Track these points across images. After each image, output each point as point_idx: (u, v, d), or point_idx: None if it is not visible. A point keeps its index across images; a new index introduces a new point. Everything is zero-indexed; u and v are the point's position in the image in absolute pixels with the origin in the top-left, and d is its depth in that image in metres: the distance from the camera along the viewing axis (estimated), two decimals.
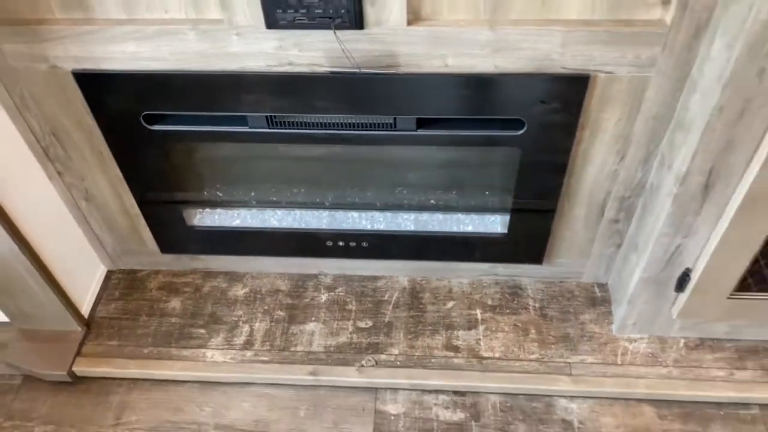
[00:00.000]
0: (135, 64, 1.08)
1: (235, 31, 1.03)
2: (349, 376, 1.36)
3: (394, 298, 1.49)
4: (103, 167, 1.32)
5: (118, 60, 1.08)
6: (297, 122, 1.17)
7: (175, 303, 1.51)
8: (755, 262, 1.15)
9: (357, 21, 0.99)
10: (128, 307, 1.51)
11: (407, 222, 1.41)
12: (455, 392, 1.36)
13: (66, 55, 1.08)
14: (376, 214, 1.42)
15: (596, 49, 1.00)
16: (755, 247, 1.11)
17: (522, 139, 1.15)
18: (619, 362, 1.36)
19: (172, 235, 1.46)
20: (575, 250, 1.41)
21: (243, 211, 1.45)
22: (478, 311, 1.46)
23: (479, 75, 1.05)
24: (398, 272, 1.53)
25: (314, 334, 1.44)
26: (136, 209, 1.41)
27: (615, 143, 1.16)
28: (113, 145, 1.25)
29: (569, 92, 1.06)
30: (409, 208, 1.41)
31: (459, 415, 1.33)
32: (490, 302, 1.47)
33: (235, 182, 1.42)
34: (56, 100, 1.17)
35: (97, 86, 1.13)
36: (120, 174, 1.32)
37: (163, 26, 1.03)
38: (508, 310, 1.46)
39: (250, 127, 1.18)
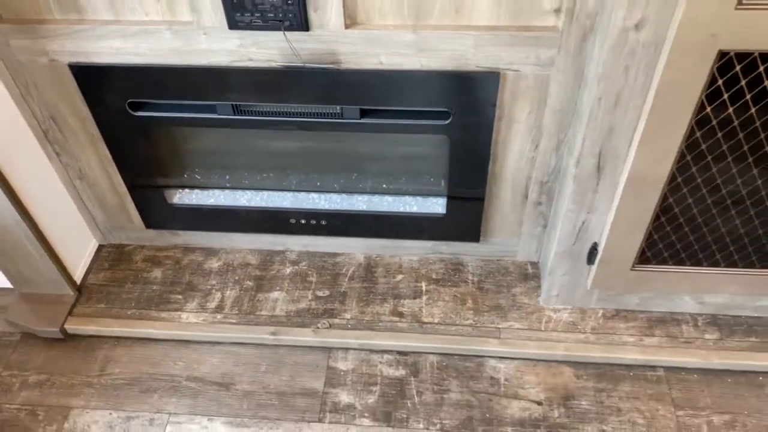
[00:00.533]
0: (120, 58, 1.29)
1: (203, 31, 1.23)
2: (306, 336, 1.55)
3: (350, 272, 1.68)
4: (95, 149, 1.52)
5: (106, 54, 1.29)
6: (258, 111, 1.36)
7: (156, 273, 1.71)
8: (650, 237, 1.34)
9: (303, 24, 1.19)
10: (116, 276, 1.71)
11: (361, 203, 1.60)
12: (398, 352, 1.54)
13: (63, 50, 1.29)
14: (334, 196, 1.61)
15: (503, 51, 1.20)
16: (645, 222, 1.29)
17: (449, 129, 1.34)
18: (543, 329, 1.54)
19: (155, 212, 1.66)
20: (507, 230, 1.59)
21: (217, 192, 1.65)
22: (423, 284, 1.64)
23: (408, 71, 1.25)
24: (356, 250, 1.72)
25: (277, 301, 1.63)
26: (123, 188, 1.61)
27: (529, 133, 1.35)
28: (103, 128, 1.45)
29: (484, 87, 1.26)
30: (363, 190, 1.61)
31: (401, 372, 1.51)
32: (434, 276, 1.66)
33: (211, 166, 1.62)
34: (55, 89, 1.38)
35: (89, 77, 1.34)
36: (109, 155, 1.52)
37: (143, 26, 1.23)
38: (449, 283, 1.64)
39: (219, 114, 1.38)
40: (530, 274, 1.65)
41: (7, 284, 1.67)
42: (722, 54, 1.00)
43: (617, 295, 1.53)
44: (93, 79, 1.34)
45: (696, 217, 1.29)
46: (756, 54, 1.01)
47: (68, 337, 1.61)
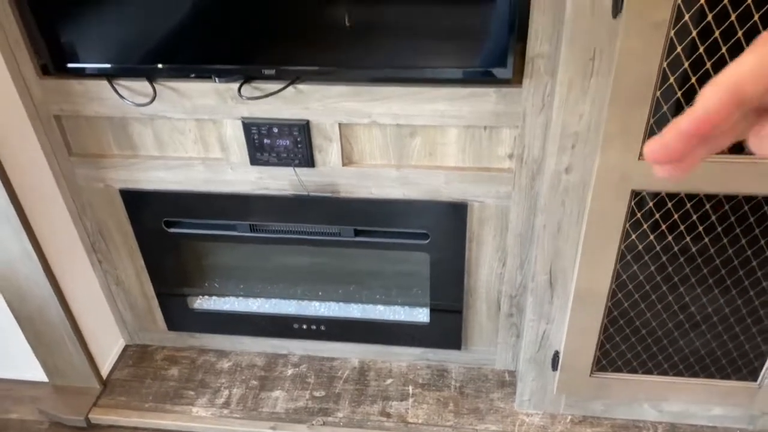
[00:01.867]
0: (161, 185, 1.59)
1: (230, 166, 1.53)
2: None
3: (345, 375, 1.88)
4: (132, 260, 1.79)
5: (151, 182, 1.59)
6: (271, 229, 1.64)
7: (174, 371, 1.92)
8: (602, 345, 1.53)
9: (310, 162, 1.49)
10: (138, 373, 1.92)
11: (356, 311, 1.83)
12: None
13: (117, 178, 1.60)
14: (333, 304, 1.85)
15: (469, 186, 1.48)
16: (595, 332, 1.50)
17: (429, 248, 1.60)
18: (516, 431, 1.69)
19: (177, 316, 1.90)
20: (485, 339, 1.80)
21: (232, 299, 1.89)
22: (411, 387, 1.82)
23: (393, 200, 1.52)
24: (351, 354, 1.92)
25: (278, 399, 1.81)
26: (152, 294, 1.86)
27: (496, 253, 1.59)
28: (141, 242, 1.74)
29: (456, 214, 1.53)
30: (358, 300, 1.84)
31: None
32: (420, 381, 1.84)
33: (228, 276, 1.88)
34: (105, 209, 1.68)
35: (134, 200, 1.64)
36: (144, 265, 1.80)
37: (182, 161, 1.55)
38: (434, 388, 1.82)
39: (238, 232, 1.66)
40: (507, 381, 1.83)
41: (43, 378, 1.89)
42: (636, 193, 1.27)
43: (583, 401, 1.69)
44: (138, 202, 1.64)
45: (639, 328, 1.49)
46: (663, 193, 1.27)
47: (91, 426, 1.80)
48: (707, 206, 1.27)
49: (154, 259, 1.77)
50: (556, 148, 1.26)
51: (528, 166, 1.42)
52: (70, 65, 1.40)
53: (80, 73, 1.42)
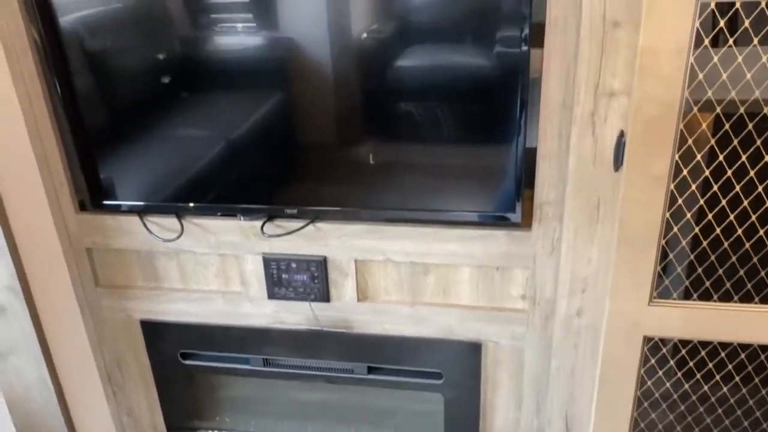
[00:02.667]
0: (181, 317, 1.63)
1: (248, 300, 1.57)
2: None
3: None
4: (146, 392, 1.79)
5: (171, 314, 1.63)
6: (283, 364, 1.64)
7: None
8: None
9: (325, 297, 1.52)
10: None
11: None
12: None
13: (138, 308, 1.65)
14: None
15: (484, 325, 1.48)
16: None
17: (442, 388, 1.58)
18: None
19: None
20: None
21: None
22: None
23: (407, 337, 1.53)
24: None
25: None
26: (162, 426, 1.84)
27: (512, 396, 1.56)
28: (156, 373, 1.74)
29: (470, 354, 1.52)
30: None
31: None
32: None
33: (239, 412, 1.86)
34: (125, 339, 1.71)
35: (153, 330, 1.67)
36: (157, 398, 1.79)
37: (203, 294, 1.59)
38: None
39: (251, 366, 1.66)
40: None
41: None
42: (648, 338, 1.26)
43: None
44: (156, 333, 1.67)
45: None
46: (676, 340, 1.26)
47: None
48: (722, 354, 1.25)
49: (167, 391, 1.77)
50: (566, 291, 1.29)
51: (541, 307, 1.43)
52: (105, 202, 1.50)
53: (114, 209, 1.51)
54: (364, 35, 1.26)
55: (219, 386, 1.84)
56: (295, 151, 1.39)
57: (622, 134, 1.11)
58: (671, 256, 1.18)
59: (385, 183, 1.38)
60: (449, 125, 1.29)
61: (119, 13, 1.33)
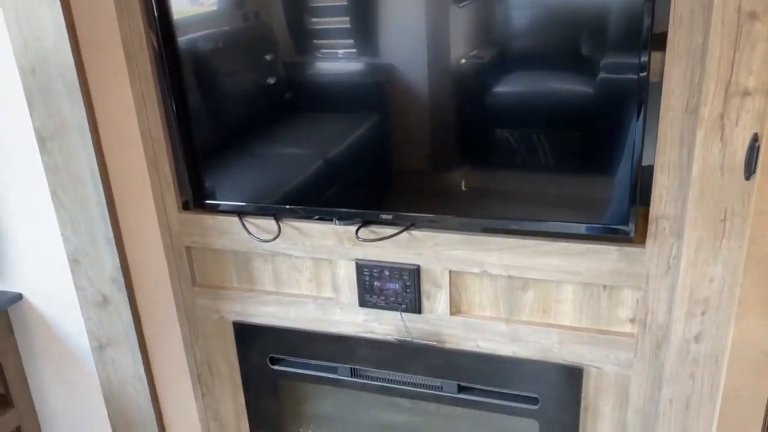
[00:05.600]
0: (272, 320, 1.63)
1: (339, 306, 1.55)
2: None
3: None
4: (234, 396, 1.79)
5: (263, 317, 1.64)
6: (371, 376, 1.60)
7: None
8: None
9: (417, 308, 1.47)
10: None
11: None
12: None
13: (232, 310, 1.66)
14: None
15: (585, 349, 1.38)
16: None
17: (538, 414, 1.47)
18: None
19: None
20: None
21: None
22: None
23: (501, 356, 1.45)
24: None
25: None
26: None
27: (614, 428, 1.44)
28: (245, 377, 1.75)
29: (569, 379, 1.41)
30: None
31: None
32: None
33: (322, 424, 1.82)
34: (216, 340, 1.73)
35: (245, 333, 1.68)
36: (244, 403, 1.79)
37: (295, 298, 1.59)
38: None
39: (338, 375, 1.63)
40: None
41: None
42: None
43: None
44: (248, 335, 1.68)
45: None
46: None
47: None
48: None
49: (254, 397, 1.76)
50: (683, 313, 1.17)
51: (652, 332, 1.31)
52: (208, 202, 1.54)
53: (215, 209, 1.55)
54: (463, 61, 1.24)
55: (305, 398, 1.82)
56: (395, 160, 1.37)
57: (755, 138, 1.00)
58: None
59: (484, 195, 1.32)
60: (562, 145, 1.23)
61: (229, 35, 1.39)
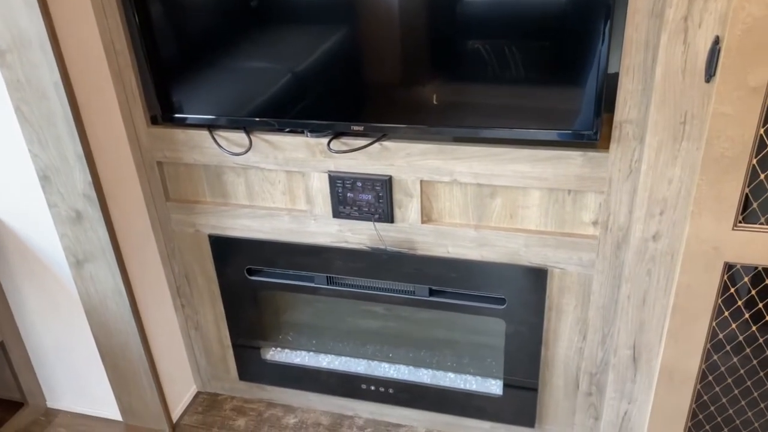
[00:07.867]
0: (247, 233, 1.66)
1: (313, 218, 1.58)
2: None
3: None
4: (213, 306, 1.85)
5: (238, 230, 1.66)
6: (347, 283, 1.66)
7: (240, 422, 1.92)
8: None
9: (389, 218, 1.51)
10: (206, 420, 1.93)
11: (426, 376, 1.78)
12: None
13: (207, 223, 1.68)
14: (403, 367, 1.81)
15: (550, 251, 1.44)
16: (682, 417, 1.38)
17: (505, 314, 1.55)
18: None
19: (249, 366, 1.92)
20: (561, 418, 1.69)
21: (303, 353, 1.90)
22: None
23: (470, 261, 1.51)
24: (418, 423, 1.86)
25: None
26: (228, 342, 1.90)
27: (576, 324, 1.53)
28: (223, 288, 1.79)
29: (535, 280, 1.49)
30: (429, 365, 1.80)
31: None
32: None
33: (301, 330, 1.90)
34: (193, 253, 1.76)
35: (221, 246, 1.71)
36: (224, 312, 1.85)
37: (270, 211, 1.61)
38: None
39: (315, 284, 1.68)
40: None
41: (117, 416, 1.94)
42: (729, 265, 1.20)
43: None
44: (224, 248, 1.71)
45: (733, 417, 1.37)
46: (760, 268, 1.19)
47: None
48: None
49: (233, 307, 1.82)
50: (643, 213, 1.23)
51: (613, 233, 1.37)
52: (176, 116, 1.52)
53: (184, 123, 1.53)
54: None
55: (283, 306, 1.88)
56: (365, 70, 1.36)
57: (717, 40, 1.02)
58: (762, 176, 1.10)
59: (455, 103, 1.33)
60: (532, 54, 1.23)
61: None
